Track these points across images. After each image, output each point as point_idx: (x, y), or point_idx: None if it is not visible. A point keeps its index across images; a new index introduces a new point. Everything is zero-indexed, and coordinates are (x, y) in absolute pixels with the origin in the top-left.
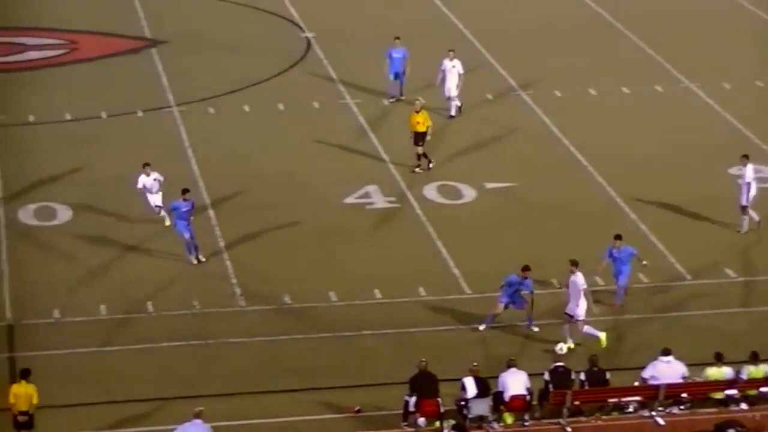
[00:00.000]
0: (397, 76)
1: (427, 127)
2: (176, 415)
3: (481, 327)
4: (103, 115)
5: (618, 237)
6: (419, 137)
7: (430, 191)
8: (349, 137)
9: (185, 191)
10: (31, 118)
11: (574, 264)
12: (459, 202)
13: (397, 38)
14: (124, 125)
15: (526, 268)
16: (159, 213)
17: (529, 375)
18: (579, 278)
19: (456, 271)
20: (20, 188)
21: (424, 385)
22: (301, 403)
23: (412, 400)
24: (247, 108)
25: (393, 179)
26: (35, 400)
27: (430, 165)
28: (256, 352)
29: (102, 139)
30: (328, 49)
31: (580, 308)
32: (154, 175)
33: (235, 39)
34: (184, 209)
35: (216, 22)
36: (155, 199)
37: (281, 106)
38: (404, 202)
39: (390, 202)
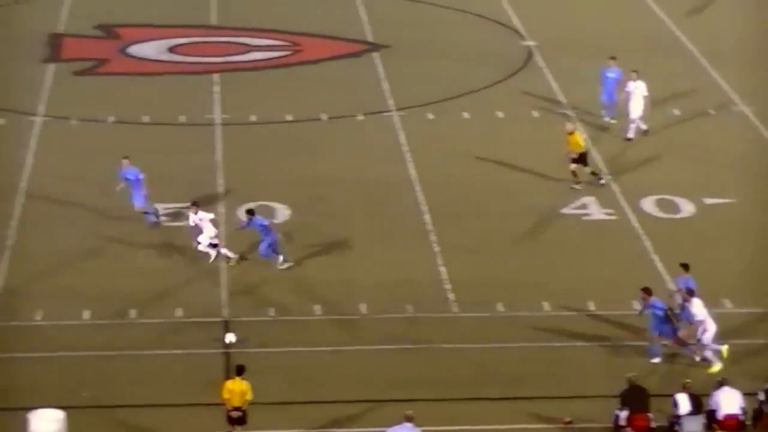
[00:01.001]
0: (610, 97)
1: (580, 147)
2: (386, 418)
3: (655, 360)
4: (324, 117)
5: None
6: (577, 157)
7: (648, 204)
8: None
9: (248, 211)
10: (253, 118)
11: (691, 293)
12: (677, 216)
13: (613, 58)
14: (344, 128)
15: (646, 290)
16: (211, 256)
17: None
18: (695, 306)
19: (672, 286)
20: (241, 186)
21: (636, 399)
22: (510, 412)
23: (623, 414)
24: (466, 115)
25: (610, 191)
26: (249, 397)
27: (575, 186)
28: (467, 359)
29: (322, 141)
30: (550, 59)
31: (708, 332)
32: (201, 215)
33: (456, 45)
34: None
35: (438, 28)
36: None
37: (500, 114)
38: (621, 214)
39: (607, 213)
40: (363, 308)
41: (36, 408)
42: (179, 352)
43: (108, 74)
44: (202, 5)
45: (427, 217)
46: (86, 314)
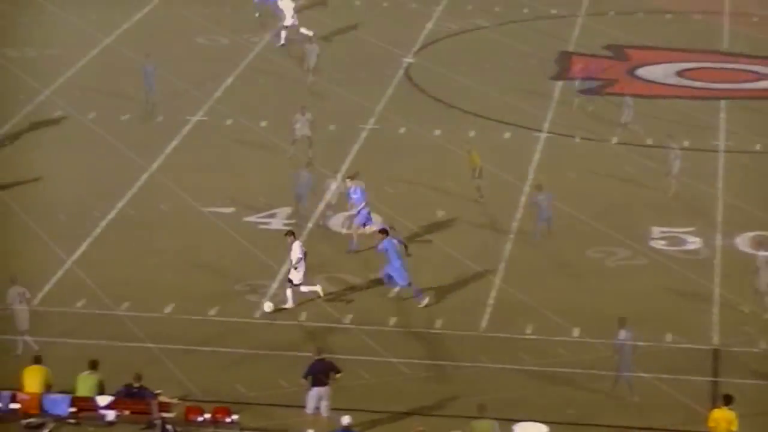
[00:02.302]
0: None
1: None
2: None
3: None
4: None
5: None
6: None
7: None
8: None
9: (382, 231)
10: (758, 147)
11: None
12: None
13: None
14: None
15: None
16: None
17: None
18: None
19: None
20: (739, 215)
21: None
22: None
23: None
24: None
25: None
26: (734, 427)
27: None
28: None
29: None
30: None
31: None
32: (295, 246)
33: None
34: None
35: None
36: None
37: None
38: None
39: None
40: None
41: (522, 421)
42: (665, 376)
43: (614, 94)
44: (715, 30)
45: None
46: (576, 332)
